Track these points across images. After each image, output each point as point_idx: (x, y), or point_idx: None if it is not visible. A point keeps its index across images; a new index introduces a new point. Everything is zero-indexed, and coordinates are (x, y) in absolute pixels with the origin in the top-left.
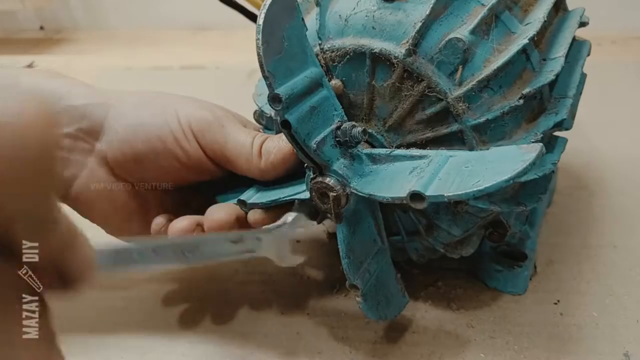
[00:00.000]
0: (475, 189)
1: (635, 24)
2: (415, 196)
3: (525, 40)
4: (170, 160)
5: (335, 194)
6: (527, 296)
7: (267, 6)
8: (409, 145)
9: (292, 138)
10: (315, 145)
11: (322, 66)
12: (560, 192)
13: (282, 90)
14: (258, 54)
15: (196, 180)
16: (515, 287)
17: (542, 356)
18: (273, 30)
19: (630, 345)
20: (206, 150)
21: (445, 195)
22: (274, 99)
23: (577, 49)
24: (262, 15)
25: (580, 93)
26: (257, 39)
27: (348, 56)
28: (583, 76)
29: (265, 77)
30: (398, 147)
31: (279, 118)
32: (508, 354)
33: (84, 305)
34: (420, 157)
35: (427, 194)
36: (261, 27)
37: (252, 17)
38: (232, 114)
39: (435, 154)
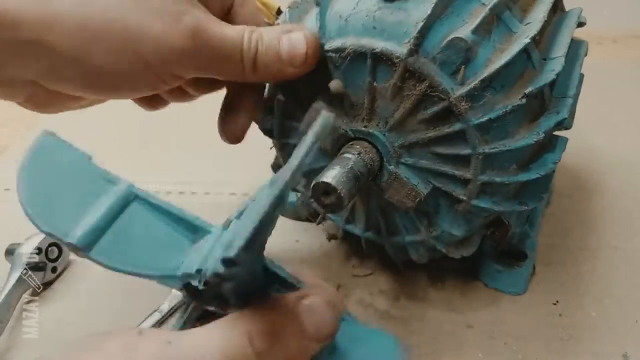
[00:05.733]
0: None
1: (636, 23)
2: None
3: (527, 40)
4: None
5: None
6: (526, 297)
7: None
8: (411, 145)
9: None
10: None
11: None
12: (559, 193)
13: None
14: None
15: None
16: (515, 287)
17: (540, 357)
18: None
19: (629, 346)
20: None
21: None
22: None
23: (575, 48)
24: None
25: (579, 93)
26: None
27: (349, 56)
28: (581, 76)
29: None
30: (400, 147)
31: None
32: (507, 354)
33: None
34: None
35: None
36: None
37: None
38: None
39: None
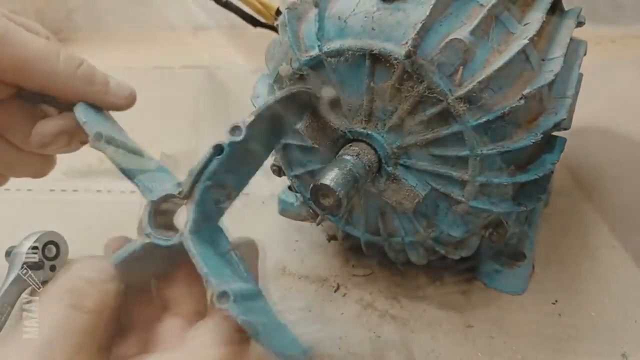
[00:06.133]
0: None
1: (635, 23)
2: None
3: (525, 41)
4: None
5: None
6: (526, 296)
7: None
8: (409, 147)
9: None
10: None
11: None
12: (559, 193)
13: None
14: None
15: None
16: (515, 287)
17: (540, 356)
18: None
19: (628, 346)
20: None
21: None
22: None
23: (574, 48)
24: None
25: (578, 93)
26: None
27: (347, 57)
28: (580, 76)
29: None
30: (398, 148)
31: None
32: (506, 354)
33: None
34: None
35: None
36: None
37: (248, 19)
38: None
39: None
